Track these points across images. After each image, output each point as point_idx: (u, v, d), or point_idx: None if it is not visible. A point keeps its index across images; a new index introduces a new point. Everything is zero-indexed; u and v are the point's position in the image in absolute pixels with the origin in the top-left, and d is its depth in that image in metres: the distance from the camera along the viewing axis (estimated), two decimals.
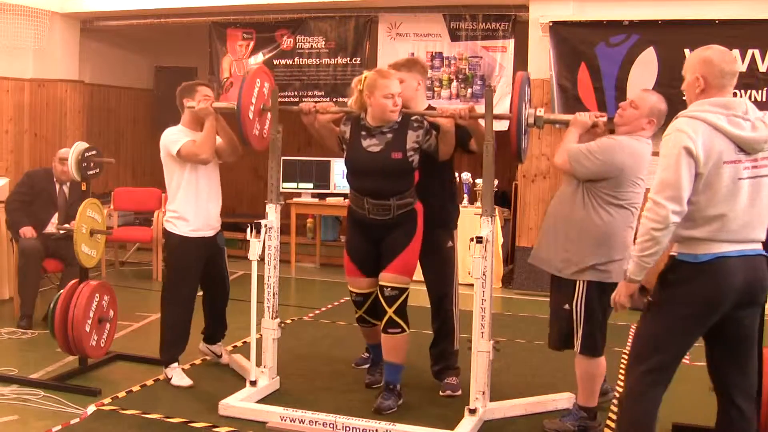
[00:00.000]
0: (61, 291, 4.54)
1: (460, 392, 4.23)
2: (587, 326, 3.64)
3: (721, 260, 2.82)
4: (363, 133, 4.00)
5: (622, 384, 4.34)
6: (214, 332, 4.78)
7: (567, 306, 3.66)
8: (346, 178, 4.20)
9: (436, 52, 7.96)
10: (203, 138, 4.34)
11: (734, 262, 2.83)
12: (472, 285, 3.83)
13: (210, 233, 4.51)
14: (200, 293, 4.66)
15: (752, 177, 2.85)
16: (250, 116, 4.18)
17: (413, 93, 4.20)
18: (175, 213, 4.44)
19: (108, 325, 4.66)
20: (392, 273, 3.98)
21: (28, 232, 5.67)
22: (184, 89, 4.56)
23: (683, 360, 2.94)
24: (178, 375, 4.43)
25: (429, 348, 4.41)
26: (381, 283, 4.01)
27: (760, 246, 2.91)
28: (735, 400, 3.01)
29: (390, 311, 3.97)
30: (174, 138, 4.41)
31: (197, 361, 4.82)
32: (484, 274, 3.81)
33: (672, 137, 2.83)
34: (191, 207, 4.43)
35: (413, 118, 4.00)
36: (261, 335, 4.26)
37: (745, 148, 2.83)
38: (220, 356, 4.80)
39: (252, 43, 8.51)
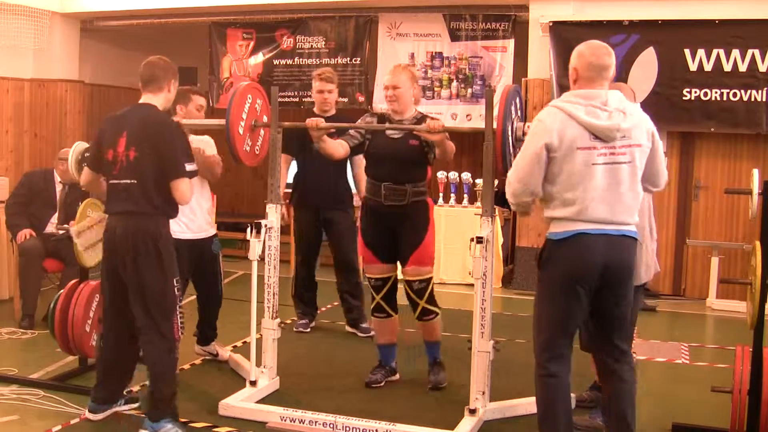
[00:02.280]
0: (61, 291, 4.54)
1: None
2: None
3: (580, 236, 3.07)
4: (387, 123, 4.31)
5: None
6: (205, 334, 4.82)
7: None
8: (365, 169, 4.40)
9: (436, 52, 7.96)
10: None
11: (593, 239, 3.07)
12: (472, 285, 3.82)
13: (199, 235, 4.55)
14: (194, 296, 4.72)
15: (609, 163, 3.06)
16: (240, 132, 4.19)
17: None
18: None
19: None
20: (415, 266, 4.21)
21: (23, 236, 5.67)
22: (179, 94, 4.56)
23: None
24: None
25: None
26: (407, 278, 4.25)
27: (628, 228, 3.12)
28: (612, 367, 3.22)
29: (422, 303, 4.25)
30: None
31: (197, 361, 4.83)
32: (484, 274, 3.81)
33: (533, 125, 3.17)
34: None
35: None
36: (261, 335, 4.26)
37: (599, 135, 3.05)
38: (216, 354, 4.81)
39: (252, 43, 8.51)
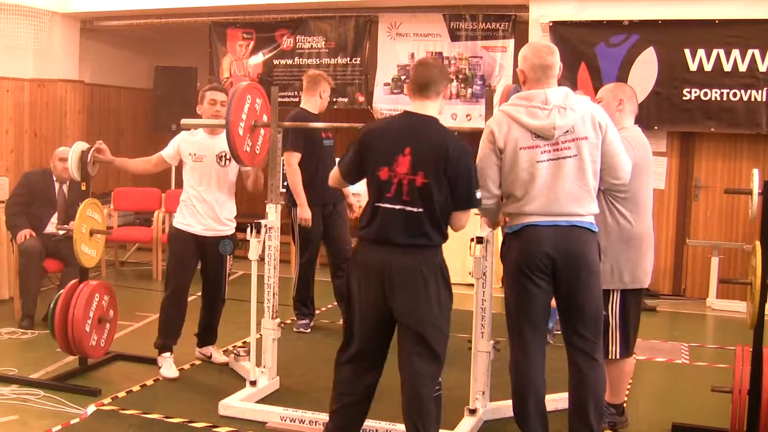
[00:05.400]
0: (61, 291, 4.55)
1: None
2: (624, 331, 3.68)
3: (529, 227, 3.24)
4: None
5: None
6: (204, 337, 4.84)
7: (604, 312, 3.63)
8: None
9: (436, 52, 7.95)
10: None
11: (539, 230, 3.21)
12: (472, 285, 3.83)
13: (206, 233, 4.56)
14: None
15: (553, 159, 3.20)
16: (240, 133, 4.19)
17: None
18: (178, 205, 4.66)
19: (108, 325, 4.66)
20: None
21: (23, 236, 5.66)
22: (199, 96, 4.70)
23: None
24: (167, 365, 4.52)
25: None
26: None
27: (579, 218, 3.23)
28: (573, 357, 3.32)
29: None
30: (172, 141, 4.66)
31: (197, 361, 4.83)
32: (484, 274, 3.81)
33: (485, 130, 3.34)
34: (183, 202, 4.60)
35: None
36: (261, 335, 4.26)
37: (540, 134, 3.19)
38: (209, 356, 4.83)
39: (252, 43, 8.51)
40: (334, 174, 3.45)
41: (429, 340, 3.14)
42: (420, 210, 3.09)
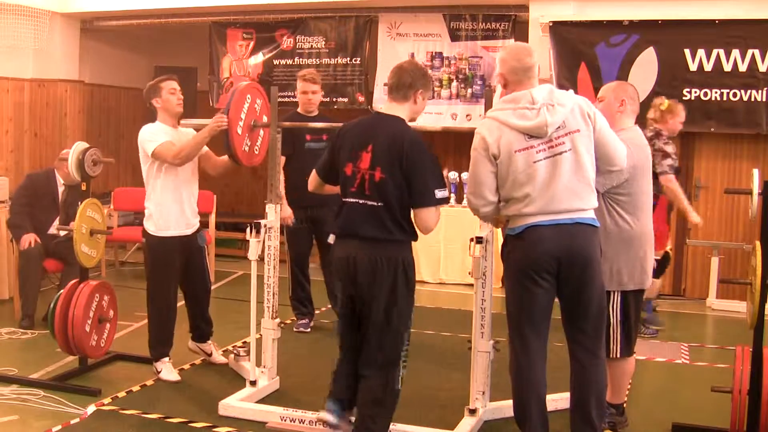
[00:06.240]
0: (61, 291, 4.55)
1: None
2: (624, 330, 3.68)
3: (533, 228, 3.21)
4: None
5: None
6: (201, 331, 4.79)
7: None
8: None
9: (436, 52, 7.96)
10: (188, 147, 4.33)
11: (545, 230, 3.20)
12: (472, 285, 3.82)
13: (187, 231, 4.52)
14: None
15: (550, 156, 3.18)
16: (239, 132, 4.19)
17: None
18: (151, 213, 4.45)
19: (108, 325, 4.67)
20: None
21: (27, 241, 5.64)
22: (150, 90, 4.54)
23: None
24: (167, 369, 4.49)
25: None
26: None
27: (581, 215, 3.22)
28: (575, 353, 3.33)
29: None
30: (150, 137, 4.42)
31: (197, 361, 4.83)
32: (484, 274, 3.81)
33: (475, 138, 3.29)
34: (167, 207, 4.43)
35: None
36: (261, 335, 4.26)
37: (533, 134, 3.18)
38: (210, 354, 4.81)
39: (252, 43, 8.51)
40: (312, 176, 3.54)
41: (376, 329, 3.24)
42: (380, 204, 3.21)
